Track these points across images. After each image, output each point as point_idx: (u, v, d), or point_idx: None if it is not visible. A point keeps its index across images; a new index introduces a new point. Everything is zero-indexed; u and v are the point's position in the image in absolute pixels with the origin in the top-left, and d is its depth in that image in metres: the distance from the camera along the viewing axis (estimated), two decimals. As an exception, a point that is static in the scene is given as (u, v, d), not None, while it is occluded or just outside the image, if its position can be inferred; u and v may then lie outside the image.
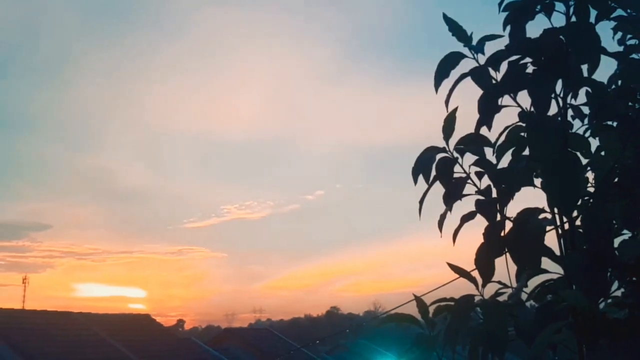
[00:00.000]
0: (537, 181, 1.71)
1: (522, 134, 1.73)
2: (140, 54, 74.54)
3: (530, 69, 1.68)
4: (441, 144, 1.81)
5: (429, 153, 1.81)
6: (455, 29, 1.82)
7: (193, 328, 65.46)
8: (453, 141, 1.80)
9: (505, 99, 1.72)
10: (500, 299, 1.73)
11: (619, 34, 1.95)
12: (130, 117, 74.77)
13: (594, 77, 1.64)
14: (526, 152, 1.71)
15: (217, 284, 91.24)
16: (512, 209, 1.68)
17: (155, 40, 72.11)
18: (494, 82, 1.73)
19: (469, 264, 1.78)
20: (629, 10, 1.76)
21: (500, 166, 1.75)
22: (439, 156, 1.79)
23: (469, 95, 1.81)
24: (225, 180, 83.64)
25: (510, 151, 1.76)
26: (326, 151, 78.96)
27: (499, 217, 1.68)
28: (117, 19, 71.86)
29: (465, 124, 1.80)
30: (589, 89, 1.68)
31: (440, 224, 1.76)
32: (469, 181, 1.77)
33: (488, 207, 1.70)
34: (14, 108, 69.91)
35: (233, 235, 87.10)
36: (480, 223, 1.74)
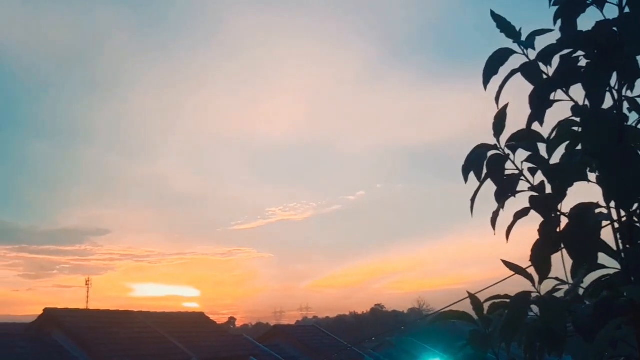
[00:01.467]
0: (591, 176, 1.68)
1: (575, 128, 1.70)
2: (187, 65, 76.81)
3: (583, 62, 1.66)
4: (484, 141, 1.79)
5: (480, 150, 1.80)
6: (504, 25, 1.81)
7: (243, 325, 67.05)
8: (502, 138, 1.79)
9: (557, 94, 1.71)
10: (557, 295, 1.71)
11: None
12: (181, 125, 77.34)
13: (649, 68, 1.61)
14: (580, 146, 1.69)
15: (265, 283, 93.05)
16: (565, 204, 1.67)
17: (201, 51, 74.07)
18: (545, 77, 1.72)
19: (515, 261, 1.78)
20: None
21: (552, 162, 1.73)
22: (490, 153, 1.79)
23: (515, 92, 1.80)
24: (269, 184, 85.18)
25: (564, 146, 1.74)
26: (366, 152, 78.97)
27: (553, 213, 1.67)
28: (165, 33, 74.15)
29: (511, 121, 1.79)
30: (645, 80, 1.64)
31: (494, 222, 1.76)
32: (522, 177, 1.76)
33: (543, 203, 1.69)
34: (75, 121, 73.51)
35: (279, 236, 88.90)
36: (528, 220, 1.73)
